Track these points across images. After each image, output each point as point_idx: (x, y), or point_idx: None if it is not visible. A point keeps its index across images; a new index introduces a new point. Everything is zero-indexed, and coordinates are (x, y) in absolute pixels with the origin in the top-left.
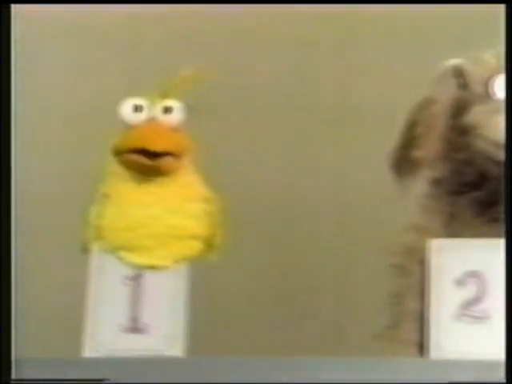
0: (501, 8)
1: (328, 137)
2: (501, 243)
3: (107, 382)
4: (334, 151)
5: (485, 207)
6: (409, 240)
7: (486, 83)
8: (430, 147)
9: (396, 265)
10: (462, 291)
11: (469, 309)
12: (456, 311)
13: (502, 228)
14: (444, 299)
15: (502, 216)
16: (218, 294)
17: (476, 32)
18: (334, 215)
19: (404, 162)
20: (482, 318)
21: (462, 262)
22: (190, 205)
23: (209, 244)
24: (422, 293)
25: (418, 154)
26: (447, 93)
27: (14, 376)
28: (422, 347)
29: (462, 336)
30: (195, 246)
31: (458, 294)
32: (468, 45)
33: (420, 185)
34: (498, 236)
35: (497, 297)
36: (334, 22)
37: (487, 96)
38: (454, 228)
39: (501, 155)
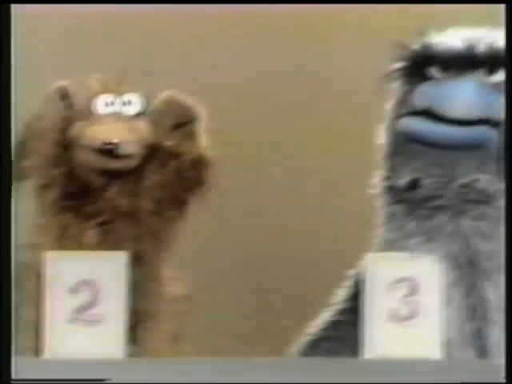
0: (501, 8)
1: None
2: (113, 254)
3: (107, 381)
4: None
5: (89, 217)
6: (25, 257)
7: (89, 102)
8: (34, 159)
9: (15, 280)
10: (76, 298)
11: (82, 313)
12: (70, 316)
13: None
14: (58, 306)
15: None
16: None
17: None
18: None
19: (15, 172)
20: (95, 322)
21: (75, 272)
22: None
23: None
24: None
25: (25, 164)
26: (54, 111)
27: (13, 376)
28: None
29: (77, 338)
30: None
31: (71, 300)
32: None
33: (34, 206)
34: (108, 243)
35: (109, 303)
36: None
37: (89, 113)
38: (65, 241)
39: (101, 163)
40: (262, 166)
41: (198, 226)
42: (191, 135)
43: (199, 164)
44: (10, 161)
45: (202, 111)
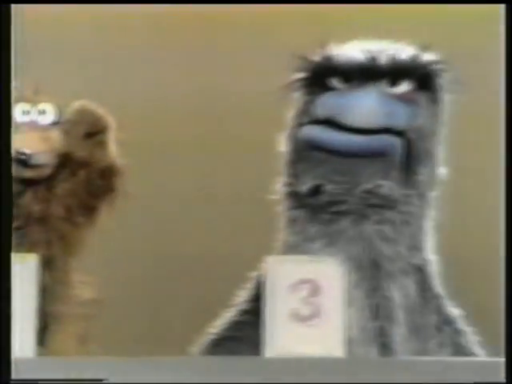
0: (501, 8)
1: None
2: (23, 256)
3: (107, 382)
4: None
5: None
6: None
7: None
8: None
9: None
10: None
11: None
12: None
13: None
14: None
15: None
16: None
17: None
18: None
19: None
20: None
21: None
22: None
23: None
24: None
25: None
26: None
27: (13, 376)
28: None
29: None
30: None
31: None
32: None
33: None
34: (22, 247)
35: (20, 303)
36: None
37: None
38: None
39: (16, 171)
40: (168, 173)
41: (106, 232)
42: (101, 145)
43: (109, 172)
44: (10, 161)
45: (111, 121)
